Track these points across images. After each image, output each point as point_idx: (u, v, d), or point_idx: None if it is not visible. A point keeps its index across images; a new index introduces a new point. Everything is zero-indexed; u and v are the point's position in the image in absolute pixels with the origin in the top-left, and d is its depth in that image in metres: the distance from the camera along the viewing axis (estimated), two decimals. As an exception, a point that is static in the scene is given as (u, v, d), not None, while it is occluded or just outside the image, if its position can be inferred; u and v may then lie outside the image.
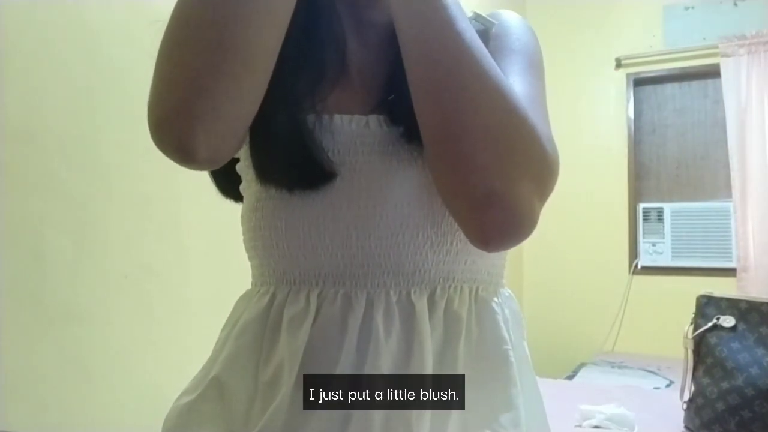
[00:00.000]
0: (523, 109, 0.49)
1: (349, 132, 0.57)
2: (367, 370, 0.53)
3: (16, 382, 1.03)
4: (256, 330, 0.58)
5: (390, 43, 0.61)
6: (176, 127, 0.46)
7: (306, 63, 0.58)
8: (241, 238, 0.63)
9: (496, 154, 0.48)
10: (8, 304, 1.02)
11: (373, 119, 0.58)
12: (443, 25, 0.50)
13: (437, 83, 0.49)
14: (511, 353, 0.58)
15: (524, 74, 0.57)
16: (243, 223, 0.62)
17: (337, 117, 0.58)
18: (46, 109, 1.10)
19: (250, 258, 0.63)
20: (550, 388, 1.92)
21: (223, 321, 0.65)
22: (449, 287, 0.57)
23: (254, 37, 0.46)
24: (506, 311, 0.62)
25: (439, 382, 0.55)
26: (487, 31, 0.61)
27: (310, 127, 0.56)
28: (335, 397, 0.53)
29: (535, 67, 0.60)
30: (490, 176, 0.48)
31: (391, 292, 0.55)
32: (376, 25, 0.62)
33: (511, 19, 0.64)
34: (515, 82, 0.54)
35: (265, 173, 0.57)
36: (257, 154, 0.58)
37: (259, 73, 0.48)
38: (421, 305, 0.55)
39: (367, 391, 0.52)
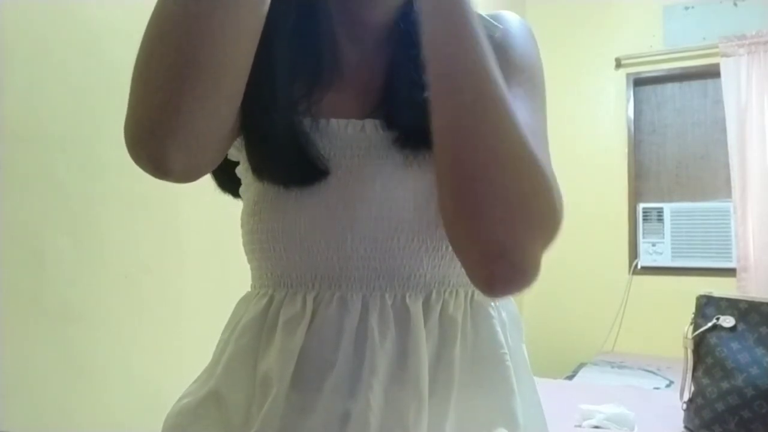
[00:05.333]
0: (542, 164, 0.49)
1: (344, 136, 0.57)
2: (365, 374, 0.53)
3: (16, 382, 1.03)
4: (254, 332, 0.58)
5: (385, 44, 0.61)
6: (149, 146, 0.47)
7: (300, 66, 0.58)
8: (240, 239, 0.63)
9: (513, 210, 0.47)
10: (8, 304, 1.02)
11: (369, 123, 0.58)
12: (475, 62, 0.48)
13: (463, 129, 0.48)
14: (507, 357, 0.58)
15: (529, 100, 0.57)
16: (242, 226, 0.62)
17: (333, 121, 0.58)
18: (46, 109, 1.10)
19: (249, 261, 0.63)
20: (550, 388, 1.92)
21: (222, 322, 0.65)
22: (444, 291, 0.57)
23: (222, 56, 0.46)
24: (503, 314, 0.62)
25: (436, 386, 0.55)
26: (492, 37, 0.61)
27: (305, 129, 0.56)
28: (332, 400, 0.53)
29: (539, 88, 0.60)
30: (505, 231, 0.47)
31: (387, 296, 0.56)
32: (370, 25, 0.62)
33: (514, 25, 0.63)
34: (520, 109, 0.53)
35: (260, 169, 0.58)
36: (252, 151, 0.58)
37: (229, 90, 0.48)
38: (417, 309, 0.55)
39: (364, 395, 0.52)
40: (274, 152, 0.56)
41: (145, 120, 0.46)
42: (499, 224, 0.47)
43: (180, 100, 0.45)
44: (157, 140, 0.46)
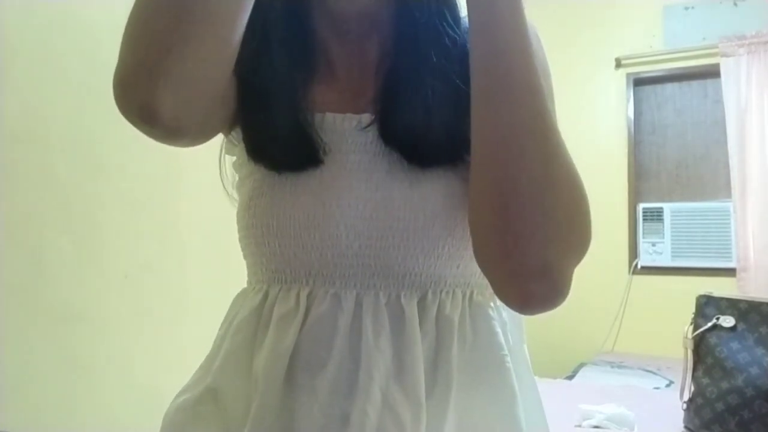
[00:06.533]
0: (582, 184, 0.49)
1: (341, 130, 0.57)
2: (361, 375, 0.53)
3: (16, 382, 1.03)
4: (249, 328, 0.58)
5: (371, 36, 0.60)
6: (140, 87, 0.46)
7: (291, 62, 0.58)
8: (240, 238, 0.64)
9: (560, 230, 0.48)
10: (8, 304, 1.02)
11: (365, 118, 0.57)
12: (532, 77, 0.48)
13: (516, 147, 0.47)
14: (508, 359, 0.57)
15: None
16: (237, 222, 0.62)
17: (329, 115, 0.58)
18: (46, 109, 1.10)
19: (245, 256, 0.63)
20: (550, 388, 1.92)
21: (222, 320, 0.65)
22: (441, 291, 0.56)
23: (217, 3, 0.46)
24: (504, 315, 0.61)
25: (434, 388, 0.54)
26: None
27: (302, 115, 0.56)
28: (329, 401, 0.53)
29: (551, 95, 0.60)
30: (551, 251, 0.48)
31: (381, 294, 0.55)
32: (351, 18, 0.61)
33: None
34: None
35: (256, 150, 0.58)
36: (248, 134, 0.58)
37: (221, 36, 0.48)
38: (411, 308, 0.55)
39: (361, 397, 0.52)
40: (272, 133, 0.56)
41: (138, 60, 0.46)
42: (547, 244, 0.47)
43: (177, 42, 0.45)
44: (149, 81, 0.46)
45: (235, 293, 0.66)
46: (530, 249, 0.47)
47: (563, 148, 0.48)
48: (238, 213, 0.62)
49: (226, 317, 0.64)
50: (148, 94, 0.46)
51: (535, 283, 0.48)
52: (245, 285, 0.65)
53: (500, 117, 0.48)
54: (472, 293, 0.58)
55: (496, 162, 0.48)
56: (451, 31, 0.58)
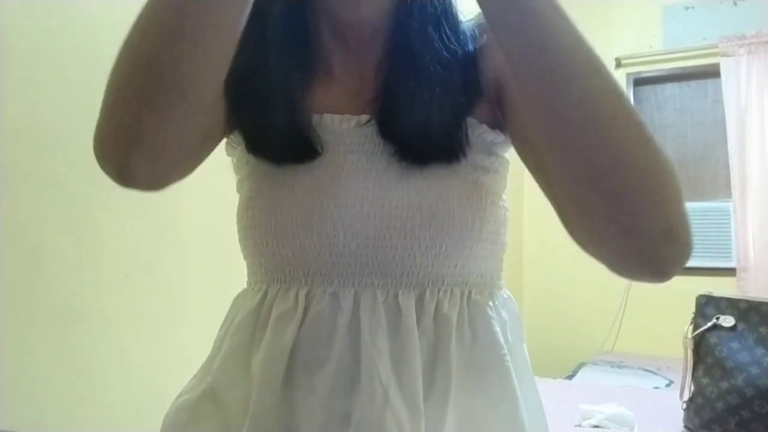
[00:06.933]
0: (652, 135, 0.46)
1: (339, 131, 0.57)
2: (361, 373, 0.53)
3: (16, 382, 1.03)
4: (248, 328, 0.59)
5: (372, 43, 0.61)
6: (114, 154, 0.47)
7: (290, 63, 0.58)
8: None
9: (666, 185, 0.45)
10: (8, 304, 1.02)
11: (363, 120, 0.58)
12: (587, 48, 0.44)
13: (601, 123, 0.44)
14: (507, 358, 0.57)
15: None
16: (237, 223, 0.63)
17: (327, 116, 0.58)
18: (46, 109, 1.10)
19: (245, 257, 0.64)
20: (550, 388, 1.92)
21: (222, 321, 0.65)
22: (439, 290, 0.56)
23: (189, 68, 0.46)
24: (503, 314, 0.61)
25: (433, 387, 0.54)
26: None
27: (300, 113, 0.56)
28: (330, 400, 0.53)
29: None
30: (666, 210, 0.45)
31: (378, 293, 0.55)
32: (353, 24, 0.61)
33: None
34: None
35: (255, 149, 0.58)
36: (247, 135, 0.59)
37: (196, 104, 0.47)
38: (408, 307, 0.55)
39: (362, 396, 0.52)
40: (271, 134, 0.57)
41: (111, 129, 0.47)
42: (662, 203, 0.44)
43: (145, 112, 0.45)
44: (121, 150, 0.47)
45: (235, 293, 0.66)
46: (649, 217, 0.44)
47: (632, 107, 0.45)
48: (237, 214, 0.62)
49: (226, 318, 0.64)
50: (122, 162, 0.47)
51: (664, 248, 0.45)
52: (245, 285, 0.65)
53: (572, 100, 0.44)
54: (470, 292, 0.58)
55: (583, 148, 0.44)
56: (447, 40, 0.58)
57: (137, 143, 0.46)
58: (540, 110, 0.46)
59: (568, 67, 0.44)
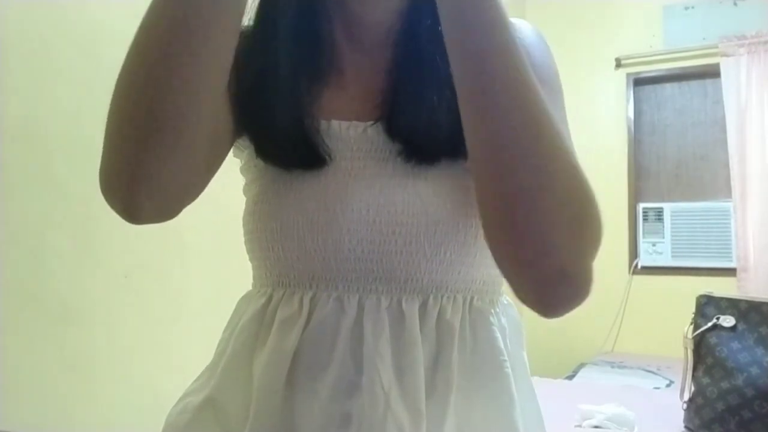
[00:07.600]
0: (588, 181, 0.48)
1: (346, 138, 0.57)
2: (363, 377, 0.53)
3: (15, 382, 1.03)
4: (251, 331, 0.59)
5: (385, 46, 0.61)
6: (119, 193, 0.48)
7: (300, 65, 0.58)
8: (241, 238, 0.64)
9: (572, 233, 0.46)
10: (8, 304, 1.02)
11: (371, 126, 0.57)
12: (524, 77, 0.45)
13: (512, 150, 0.45)
14: (507, 365, 0.57)
15: (554, 113, 0.55)
16: (243, 226, 0.62)
17: (334, 123, 0.57)
18: (46, 109, 1.10)
19: (250, 260, 0.64)
20: (550, 388, 1.92)
21: (223, 321, 0.65)
22: (442, 297, 0.57)
23: (184, 109, 0.45)
24: (503, 321, 0.61)
25: (434, 391, 0.54)
26: None
27: (306, 124, 0.56)
28: (330, 403, 0.53)
29: (560, 100, 0.59)
30: (566, 255, 0.46)
31: (382, 298, 0.55)
32: (368, 26, 0.61)
33: (530, 35, 0.61)
34: None
35: (263, 154, 0.58)
36: (255, 140, 0.59)
37: (194, 137, 0.47)
38: (412, 313, 0.55)
39: (362, 398, 0.52)
40: (279, 139, 0.57)
41: (114, 169, 0.47)
42: (561, 249, 0.46)
43: (143, 155, 0.45)
44: (125, 189, 0.47)
45: (236, 293, 0.66)
46: (544, 257, 0.46)
47: (561, 149, 0.46)
48: (243, 217, 0.62)
49: (230, 320, 0.64)
50: (127, 200, 0.48)
51: (555, 288, 0.48)
52: (246, 285, 0.65)
53: (486, 127, 0.46)
54: (472, 299, 0.58)
55: (489, 175, 0.47)
56: None
57: (139, 182, 0.46)
58: (472, 119, 0.48)
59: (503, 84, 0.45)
